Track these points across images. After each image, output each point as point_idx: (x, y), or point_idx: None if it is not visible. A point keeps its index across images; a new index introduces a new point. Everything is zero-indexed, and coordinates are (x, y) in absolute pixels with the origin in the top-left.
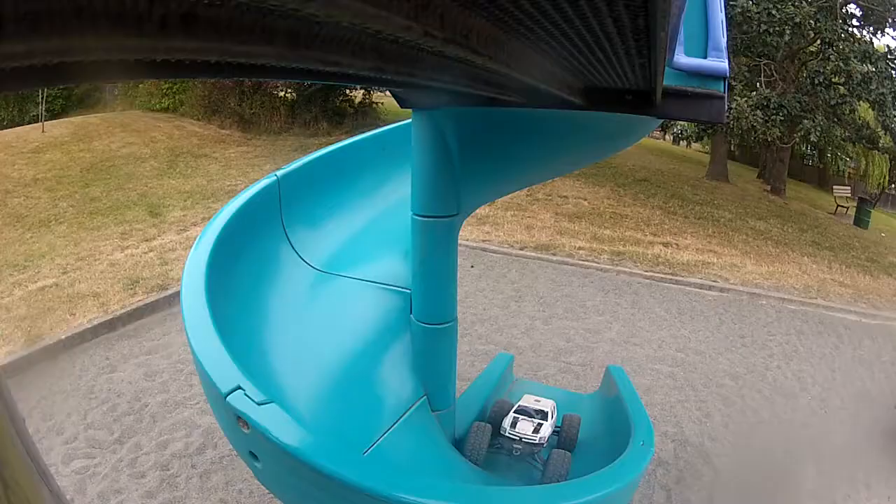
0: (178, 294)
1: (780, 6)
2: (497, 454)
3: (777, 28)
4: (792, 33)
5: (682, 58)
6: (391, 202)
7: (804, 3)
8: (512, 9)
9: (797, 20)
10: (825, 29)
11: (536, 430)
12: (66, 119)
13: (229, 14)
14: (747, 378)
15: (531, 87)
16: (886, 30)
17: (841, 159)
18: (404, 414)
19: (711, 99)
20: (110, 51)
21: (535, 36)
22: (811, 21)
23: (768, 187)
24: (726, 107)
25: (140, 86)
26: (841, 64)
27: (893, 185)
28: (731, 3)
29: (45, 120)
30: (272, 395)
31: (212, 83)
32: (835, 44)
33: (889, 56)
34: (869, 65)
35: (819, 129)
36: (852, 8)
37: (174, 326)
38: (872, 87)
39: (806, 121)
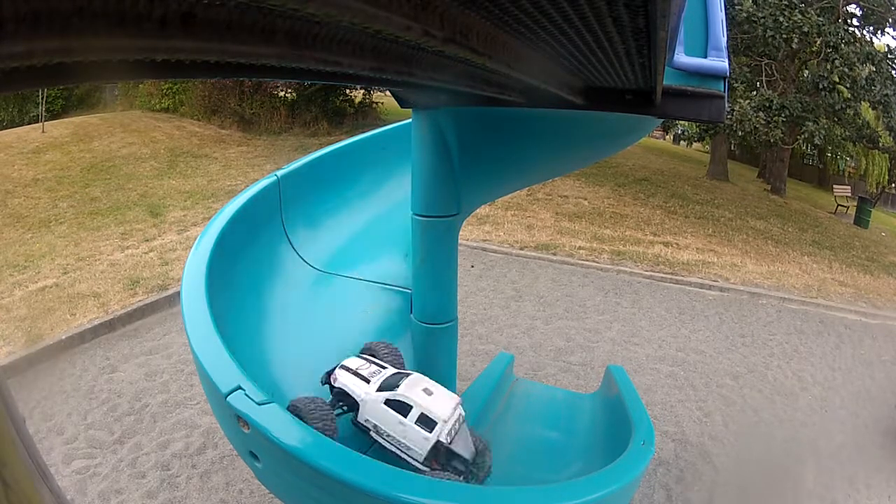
0: (178, 294)
1: (787, 13)
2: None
3: (784, 35)
4: (800, 41)
5: (682, 57)
6: (391, 202)
7: (810, 9)
8: (512, 8)
9: (805, 29)
10: (829, 33)
11: (368, 380)
12: (66, 119)
13: (229, 14)
14: (748, 377)
15: (531, 86)
16: (886, 29)
17: (841, 158)
18: None
19: (711, 98)
20: (110, 51)
21: (534, 36)
22: (817, 28)
23: (768, 187)
24: (727, 107)
25: (140, 86)
26: (846, 70)
27: (893, 185)
28: (736, 6)
29: (45, 120)
30: (272, 395)
31: (212, 83)
32: (840, 48)
33: (889, 56)
34: (870, 65)
35: (823, 132)
36: (852, 8)
37: (174, 326)
38: (876, 89)
39: (809, 123)
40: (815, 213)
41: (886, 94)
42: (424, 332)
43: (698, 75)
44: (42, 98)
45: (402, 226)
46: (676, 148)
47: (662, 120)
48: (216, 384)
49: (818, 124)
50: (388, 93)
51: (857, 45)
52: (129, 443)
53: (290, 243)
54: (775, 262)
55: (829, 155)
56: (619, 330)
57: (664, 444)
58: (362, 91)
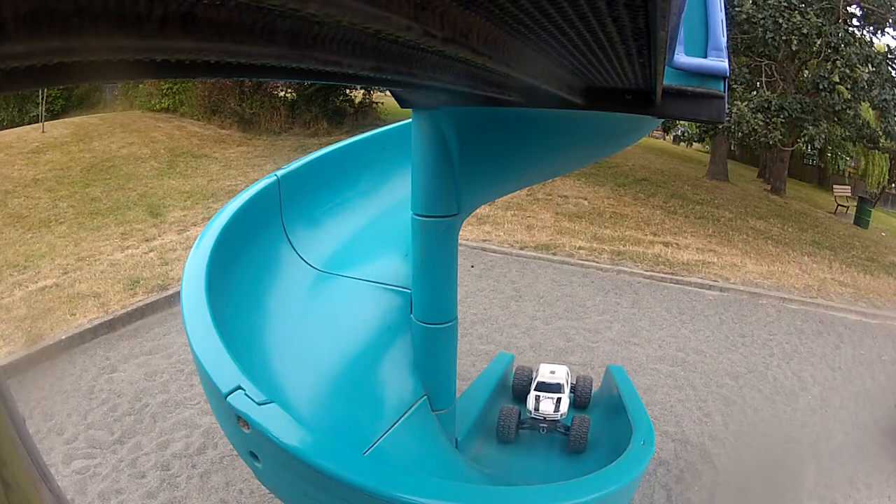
0: (178, 294)
1: (786, 15)
2: (527, 432)
3: (784, 37)
4: (799, 43)
5: (682, 57)
6: (391, 202)
7: (809, 10)
8: (512, 8)
9: (805, 31)
10: (829, 34)
11: (557, 408)
12: (66, 119)
13: (229, 14)
14: (748, 377)
15: (531, 86)
16: (886, 30)
17: (841, 158)
18: (405, 414)
19: (711, 98)
20: (110, 51)
21: (534, 36)
22: (817, 29)
23: (768, 187)
24: (726, 107)
25: (140, 86)
26: (847, 71)
27: (893, 185)
28: (736, 7)
29: (45, 120)
30: (272, 395)
31: (212, 83)
32: (841, 49)
33: (889, 56)
34: (870, 66)
35: (823, 135)
36: (852, 8)
37: (174, 326)
38: (874, 92)
39: (809, 126)
40: (815, 213)
41: (885, 99)
42: (424, 332)
43: (698, 75)
44: (42, 98)
45: (402, 226)
46: (676, 148)
47: (662, 120)
48: (216, 384)
49: (818, 127)
50: (388, 93)
51: (858, 45)
52: (129, 443)
53: (290, 243)
54: (775, 262)
55: (829, 155)
56: (619, 330)
57: (664, 444)
58: (362, 91)
